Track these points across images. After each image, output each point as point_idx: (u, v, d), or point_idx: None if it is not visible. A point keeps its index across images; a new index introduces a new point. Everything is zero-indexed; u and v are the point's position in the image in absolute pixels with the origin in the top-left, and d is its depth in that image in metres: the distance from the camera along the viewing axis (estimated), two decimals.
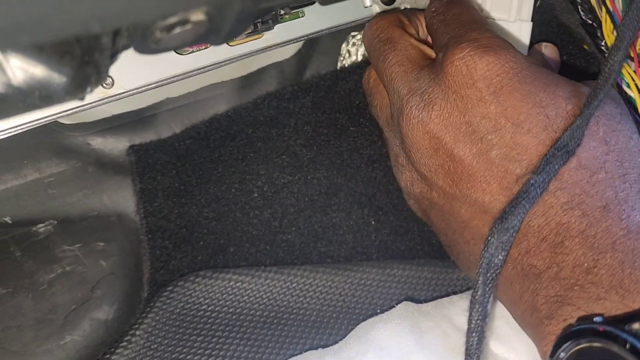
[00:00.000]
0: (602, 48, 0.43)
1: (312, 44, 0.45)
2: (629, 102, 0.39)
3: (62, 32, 0.16)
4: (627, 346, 0.22)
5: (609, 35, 0.39)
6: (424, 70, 0.32)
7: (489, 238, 0.25)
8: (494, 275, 0.25)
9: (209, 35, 0.21)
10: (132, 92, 0.32)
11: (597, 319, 0.25)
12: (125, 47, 0.20)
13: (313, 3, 0.34)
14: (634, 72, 0.39)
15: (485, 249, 0.25)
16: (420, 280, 0.40)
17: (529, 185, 0.25)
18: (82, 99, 0.21)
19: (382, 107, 0.37)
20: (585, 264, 0.26)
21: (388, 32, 0.35)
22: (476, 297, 0.25)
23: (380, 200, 0.43)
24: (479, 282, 0.25)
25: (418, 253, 0.43)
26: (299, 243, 0.41)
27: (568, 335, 0.25)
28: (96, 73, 0.20)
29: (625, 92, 0.40)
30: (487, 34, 0.31)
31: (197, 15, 0.18)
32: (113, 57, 0.20)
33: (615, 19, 0.40)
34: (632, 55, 0.39)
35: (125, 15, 0.15)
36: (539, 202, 0.27)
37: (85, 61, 0.19)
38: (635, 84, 0.39)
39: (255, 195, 0.42)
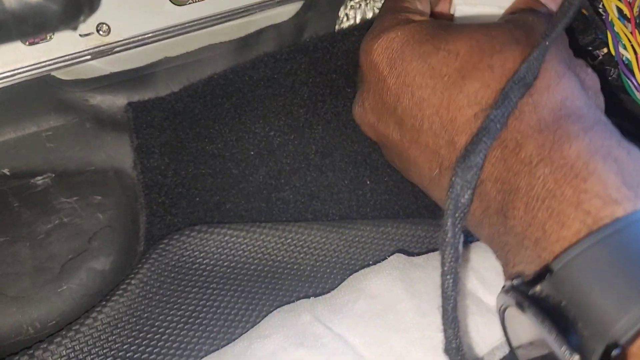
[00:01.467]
0: (600, 11, 0.43)
1: (310, 7, 0.45)
2: (625, 64, 0.40)
3: None
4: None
5: None
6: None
7: (453, 178, 0.25)
8: (461, 215, 0.25)
9: None
10: (128, 41, 0.32)
11: (515, 280, 0.24)
12: None
13: None
14: (631, 33, 0.39)
15: (451, 189, 0.25)
16: (414, 238, 0.41)
17: (489, 120, 0.25)
18: (75, 28, 0.22)
19: None
20: (502, 209, 0.26)
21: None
22: (446, 240, 0.24)
23: (376, 160, 0.43)
24: (448, 223, 0.25)
25: (412, 213, 0.43)
26: (294, 201, 0.42)
27: (500, 294, 0.25)
28: (89, 3, 0.20)
29: (622, 54, 0.40)
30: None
31: None
32: None
33: None
34: (628, 16, 0.39)
35: None
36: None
37: None
38: (632, 46, 0.39)
39: (252, 153, 0.42)
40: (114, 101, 0.42)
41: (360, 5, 0.46)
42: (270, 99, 0.43)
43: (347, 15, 0.46)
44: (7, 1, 0.20)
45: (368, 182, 0.43)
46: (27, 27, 0.21)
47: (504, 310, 0.25)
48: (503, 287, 0.25)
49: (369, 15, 0.46)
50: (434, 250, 0.40)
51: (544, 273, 0.23)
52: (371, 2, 0.46)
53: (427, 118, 0.29)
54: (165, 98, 0.42)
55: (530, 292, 0.23)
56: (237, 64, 0.43)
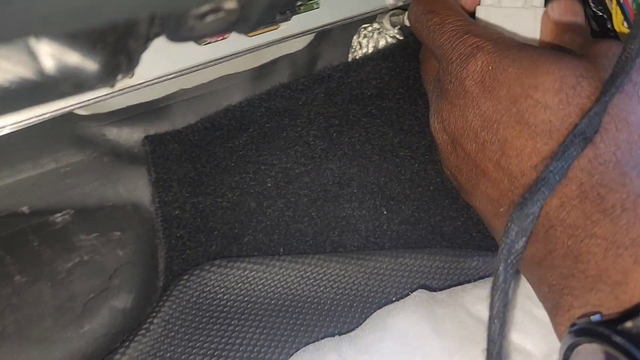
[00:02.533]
0: None
1: (323, 36, 0.45)
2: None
3: (102, 20, 0.16)
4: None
5: (619, 27, 0.39)
6: (434, 83, 0.35)
7: (509, 224, 0.25)
8: (514, 261, 0.25)
9: (238, 23, 0.21)
10: (152, 82, 0.32)
11: (594, 317, 0.25)
12: (158, 35, 0.20)
13: None
14: None
15: (506, 235, 0.25)
16: (433, 269, 0.41)
17: (548, 171, 0.26)
18: (112, 86, 0.22)
19: (429, 76, 0.39)
20: (572, 253, 0.27)
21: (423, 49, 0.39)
22: (497, 284, 0.25)
23: (392, 190, 0.43)
24: (500, 268, 0.25)
25: (430, 242, 0.43)
26: (312, 233, 0.42)
27: (571, 333, 0.25)
28: (128, 60, 0.20)
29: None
30: (466, 41, 0.32)
31: (230, 3, 0.19)
32: (145, 44, 0.20)
33: (626, 10, 0.40)
34: None
35: (164, 2, 0.15)
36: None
37: (117, 48, 0.19)
38: None
39: (269, 185, 0.42)
40: (131, 135, 0.42)
41: (373, 34, 0.46)
42: (286, 130, 0.43)
43: (360, 43, 0.47)
44: (45, 63, 0.20)
45: (385, 212, 0.43)
46: (66, 88, 0.21)
47: (572, 348, 0.25)
48: (572, 325, 0.26)
49: (382, 43, 0.46)
50: (453, 282, 0.40)
51: (635, 311, 0.24)
52: (384, 31, 0.46)
53: (507, 158, 0.30)
54: (181, 130, 0.42)
55: (618, 328, 0.24)
56: (253, 95, 0.43)
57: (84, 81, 0.21)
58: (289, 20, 0.34)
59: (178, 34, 0.19)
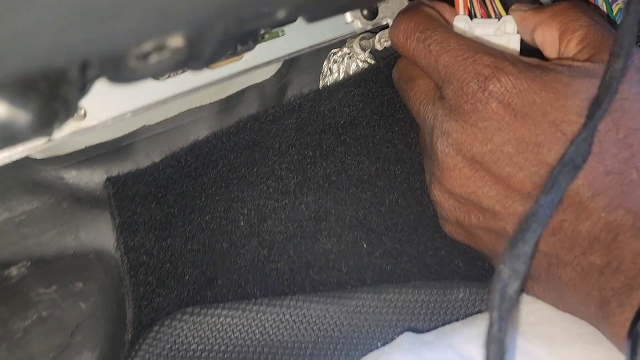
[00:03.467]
0: None
1: (291, 63, 0.44)
2: None
3: (22, 68, 0.14)
4: None
5: None
6: (437, 104, 0.33)
7: (500, 267, 0.23)
8: (509, 307, 0.23)
9: (189, 60, 0.19)
10: (106, 123, 0.30)
11: None
12: (97, 78, 0.18)
13: (294, 21, 0.32)
14: None
15: (497, 279, 0.23)
16: (418, 304, 0.39)
17: (538, 206, 0.24)
18: (49, 135, 0.19)
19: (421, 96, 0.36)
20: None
21: (404, 68, 0.37)
22: (491, 334, 0.23)
23: (372, 222, 0.41)
24: (494, 317, 0.23)
25: (414, 275, 0.41)
26: (289, 272, 0.40)
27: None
28: (65, 108, 0.18)
29: None
30: (481, 60, 0.31)
31: (176, 41, 0.17)
32: (83, 89, 0.18)
33: None
34: None
35: (92, 47, 0.13)
36: (581, 209, 0.28)
37: (52, 96, 0.17)
38: None
39: (242, 223, 0.40)
40: (92, 176, 0.39)
41: (343, 59, 0.44)
42: (257, 165, 0.41)
43: (330, 69, 0.45)
44: None
45: (365, 246, 0.41)
46: None
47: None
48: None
49: (353, 68, 0.44)
50: (439, 317, 0.38)
51: None
52: (354, 55, 0.44)
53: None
54: (146, 170, 0.40)
55: None
56: (220, 129, 0.41)
57: (16, 133, 0.18)
58: (252, 49, 0.32)
59: (120, 76, 0.17)
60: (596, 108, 0.26)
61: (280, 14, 0.18)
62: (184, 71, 0.32)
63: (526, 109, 0.30)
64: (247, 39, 0.30)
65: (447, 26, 0.35)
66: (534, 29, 0.34)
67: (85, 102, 0.29)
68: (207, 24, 0.16)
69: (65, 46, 0.13)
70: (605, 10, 0.39)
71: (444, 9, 0.37)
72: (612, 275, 0.28)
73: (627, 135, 0.29)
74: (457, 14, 0.36)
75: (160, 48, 0.17)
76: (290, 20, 0.31)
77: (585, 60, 0.31)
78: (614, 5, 0.39)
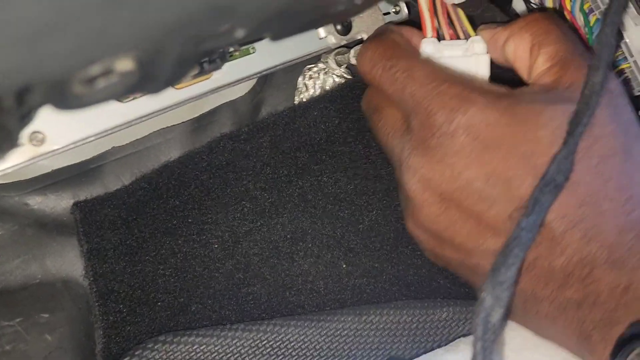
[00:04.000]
0: None
1: (266, 80, 0.43)
2: None
3: None
4: None
5: None
6: (404, 137, 0.32)
7: (483, 295, 0.22)
8: (492, 337, 0.22)
9: (144, 83, 0.18)
10: (67, 148, 0.28)
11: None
12: (41, 105, 0.17)
13: (262, 39, 0.31)
14: None
15: (480, 307, 0.22)
16: (400, 325, 0.38)
17: (519, 229, 0.23)
18: None
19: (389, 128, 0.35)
20: (621, 285, 0.27)
21: (371, 97, 0.36)
22: None
23: (350, 241, 0.40)
24: (477, 347, 0.22)
25: (394, 294, 0.40)
26: (266, 295, 0.38)
27: (622, 342, 0.25)
28: (7, 137, 0.16)
29: None
30: (448, 91, 0.30)
31: (124, 64, 0.15)
32: (26, 117, 0.17)
33: (579, 35, 0.39)
34: None
35: (24, 73, 0.12)
36: (555, 244, 0.27)
37: None
38: None
39: (216, 246, 0.38)
40: (58, 201, 0.38)
41: (319, 74, 0.43)
42: (231, 185, 0.39)
43: (305, 85, 0.44)
44: None
45: (344, 266, 0.40)
46: None
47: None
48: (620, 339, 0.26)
49: (329, 83, 0.43)
50: (421, 338, 0.37)
51: None
52: (330, 70, 0.43)
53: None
54: (115, 193, 0.38)
55: None
56: (193, 149, 0.40)
57: None
58: (221, 68, 0.31)
59: (65, 103, 0.16)
60: (576, 124, 0.25)
61: (240, 33, 0.17)
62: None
63: (495, 142, 0.28)
64: (215, 57, 0.29)
65: (415, 53, 0.33)
66: (505, 42, 0.33)
67: (44, 126, 0.27)
68: (157, 46, 0.15)
69: None
70: (582, 22, 0.38)
71: (412, 33, 0.36)
72: (590, 309, 0.27)
73: (599, 162, 0.28)
74: (424, 36, 0.36)
75: (107, 72, 0.15)
76: (254, 38, 0.30)
77: (554, 81, 0.30)
78: (591, 16, 0.39)
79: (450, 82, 0.30)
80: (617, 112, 0.29)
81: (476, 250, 0.31)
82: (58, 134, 0.28)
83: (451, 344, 0.35)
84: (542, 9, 0.41)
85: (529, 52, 0.32)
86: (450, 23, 0.36)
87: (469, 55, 0.34)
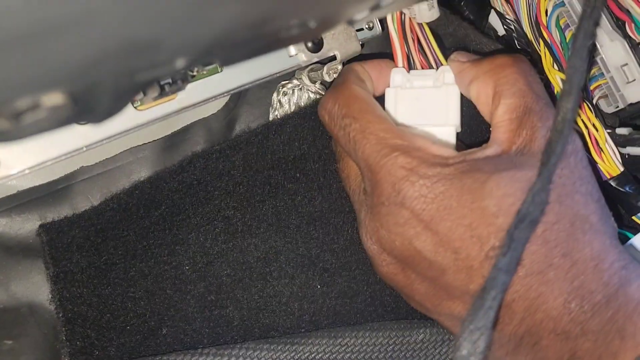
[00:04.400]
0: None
1: (240, 96, 0.42)
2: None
3: None
4: None
5: (550, 69, 0.37)
6: (362, 196, 0.33)
7: (460, 341, 0.22)
8: None
9: (81, 115, 0.17)
10: (23, 172, 0.27)
11: None
12: None
13: (210, 64, 0.30)
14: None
15: (457, 354, 0.21)
16: (376, 347, 0.37)
17: (496, 270, 0.22)
18: None
19: (351, 183, 0.35)
20: (566, 354, 0.26)
21: (336, 146, 0.36)
22: None
23: (325, 262, 0.39)
24: None
25: (370, 315, 0.39)
26: (238, 317, 0.37)
27: None
28: None
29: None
30: (397, 160, 0.29)
31: (53, 99, 0.15)
32: None
33: (555, 51, 0.38)
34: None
35: None
36: (504, 312, 0.27)
37: None
38: (581, 119, 0.37)
39: (187, 268, 0.38)
40: (24, 224, 0.37)
41: (293, 90, 0.43)
42: (202, 205, 0.38)
43: (280, 102, 0.43)
44: None
45: (319, 287, 0.39)
46: None
47: None
48: None
49: (304, 99, 0.43)
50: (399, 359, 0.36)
51: None
52: (304, 87, 0.42)
53: (476, 285, 0.28)
54: (84, 214, 0.37)
55: None
56: (164, 168, 0.39)
57: None
58: (184, 89, 0.30)
59: None
60: (550, 153, 0.24)
61: (179, 64, 0.16)
62: None
63: (442, 213, 0.28)
64: (177, 78, 0.28)
65: (372, 108, 0.32)
66: (470, 83, 0.32)
67: None
68: (83, 81, 0.14)
69: None
70: (558, 38, 0.38)
71: (380, 66, 0.35)
72: None
73: (545, 230, 0.27)
74: (396, 65, 0.35)
75: (34, 107, 0.15)
76: (202, 65, 0.29)
77: (508, 140, 0.29)
78: (567, 31, 0.38)
79: (401, 151, 0.30)
80: (564, 174, 0.28)
81: (433, 311, 0.31)
82: (13, 158, 0.27)
83: None
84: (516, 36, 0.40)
85: (491, 99, 0.31)
86: (421, 49, 0.35)
87: (439, 86, 0.33)
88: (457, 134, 0.34)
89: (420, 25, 0.35)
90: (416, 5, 0.33)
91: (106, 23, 0.11)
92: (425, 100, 0.33)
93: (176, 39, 0.13)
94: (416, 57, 0.35)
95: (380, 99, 0.35)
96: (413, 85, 0.34)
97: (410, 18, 0.35)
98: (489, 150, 0.30)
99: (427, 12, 0.33)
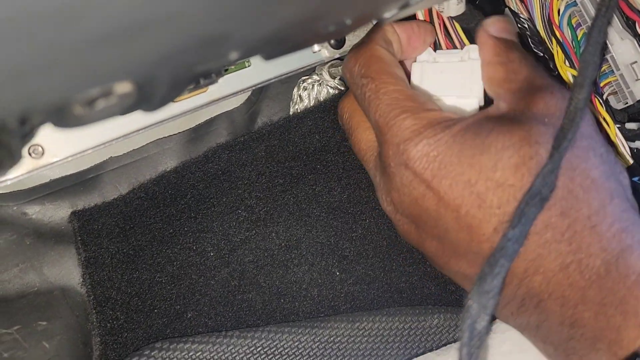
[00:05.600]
0: None
1: (261, 91, 0.43)
2: None
3: None
4: None
5: (561, 66, 0.38)
6: (375, 162, 0.34)
7: (469, 303, 0.23)
8: (478, 344, 0.23)
9: (140, 103, 0.18)
10: (65, 160, 0.29)
11: None
12: (42, 124, 0.17)
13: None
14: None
15: (466, 315, 0.23)
16: (392, 331, 0.38)
17: (506, 240, 0.24)
18: None
19: (365, 153, 0.36)
20: (567, 320, 0.27)
21: (348, 113, 0.36)
22: None
23: (344, 250, 0.40)
24: (463, 353, 0.22)
25: (387, 301, 0.41)
26: (260, 302, 0.39)
27: None
28: (9, 155, 0.17)
29: None
30: (404, 123, 0.30)
31: (123, 87, 0.16)
32: (28, 136, 0.17)
33: (567, 49, 0.40)
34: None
35: (25, 101, 0.12)
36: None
37: None
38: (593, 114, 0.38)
39: (211, 254, 0.39)
40: (56, 211, 0.38)
41: (313, 86, 0.44)
42: (226, 194, 0.40)
43: (300, 96, 0.45)
44: None
45: (337, 273, 0.40)
46: None
47: None
48: None
49: (323, 95, 0.44)
50: (413, 345, 0.37)
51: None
52: (324, 82, 0.44)
53: (477, 244, 0.29)
54: (113, 203, 0.39)
55: None
56: (189, 159, 0.41)
57: None
58: (216, 82, 0.32)
59: (65, 123, 0.17)
60: (562, 139, 0.25)
61: (233, 56, 0.18)
62: None
63: (442, 173, 0.29)
64: (211, 72, 0.29)
65: (391, 68, 0.33)
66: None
67: (43, 140, 0.28)
68: (153, 73, 0.15)
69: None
70: (570, 36, 0.39)
71: (413, 28, 0.36)
72: (548, 332, 0.28)
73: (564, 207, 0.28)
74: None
75: (106, 94, 0.16)
76: (247, 57, 0.31)
77: (510, 105, 0.30)
78: (579, 30, 0.40)
79: (410, 112, 0.30)
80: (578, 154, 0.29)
81: (445, 267, 0.32)
82: (57, 147, 0.28)
83: (442, 348, 0.36)
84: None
85: (495, 66, 0.33)
86: (447, 34, 0.36)
87: (465, 60, 0.35)
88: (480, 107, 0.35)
89: (446, 17, 0.36)
90: (446, 1, 0.34)
91: (191, 20, 0.12)
92: (450, 73, 0.34)
93: (242, 33, 0.14)
94: (442, 40, 0.36)
95: (408, 66, 0.36)
96: (438, 59, 0.35)
97: (436, 10, 0.36)
98: (491, 110, 0.31)
99: (455, 7, 0.35)
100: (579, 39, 0.39)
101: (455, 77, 0.34)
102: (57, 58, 0.12)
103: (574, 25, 0.40)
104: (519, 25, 0.42)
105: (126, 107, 0.18)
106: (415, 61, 0.36)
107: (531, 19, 0.41)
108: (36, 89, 0.12)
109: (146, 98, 0.18)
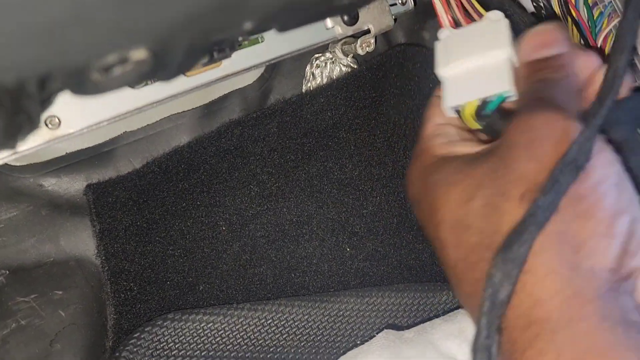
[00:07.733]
0: None
1: (274, 68, 0.44)
2: None
3: None
4: None
5: None
6: None
7: (492, 270, 0.22)
8: (499, 313, 0.22)
9: (156, 71, 0.19)
10: (81, 131, 0.29)
11: None
12: (60, 90, 0.18)
13: (267, 30, 0.32)
14: None
15: (488, 283, 0.22)
16: (401, 307, 0.39)
17: (536, 207, 0.22)
18: (13, 147, 0.19)
19: None
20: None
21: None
22: (479, 342, 0.21)
23: (354, 226, 0.41)
24: (482, 323, 0.22)
25: (397, 278, 0.41)
26: (271, 276, 0.40)
27: None
28: (28, 121, 0.18)
29: None
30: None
31: (139, 54, 0.17)
32: (46, 102, 0.18)
33: (582, 28, 0.39)
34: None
35: (45, 62, 0.13)
36: None
37: (15, 110, 0.17)
38: None
39: (223, 228, 0.40)
40: (72, 183, 0.39)
41: (326, 63, 0.44)
42: (239, 169, 0.40)
43: (313, 74, 0.45)
44: None
45: (348, 249, 0.41)
46: None
47: None
48: None
49: (336, 72, 0.44)
50: (422, 320, 0.38)
51: None
52: (337, 60, 0.44)
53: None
54: (127, 176, 0.40)
55: None
56: (202, 134, 0.41)
57: None
58: (230, 57, 0.32)
59: (83, 89, 0.17)
60: (599, 106, 0.24)
61: (248, 26, 0.18)
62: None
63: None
64: (224, 46, 0.29)
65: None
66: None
67: (60, 111, 0.28)
68: (169, 38, 0.16)
69: (17, 62, 0.13)
70: (586, 15, 0.39)
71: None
72: None
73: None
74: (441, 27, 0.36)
75: (123, 61, 0.16)
76: (261, 30, 0.31)
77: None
78: (595, 9, 0.39)
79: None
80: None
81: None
82: (73, 118, 0.29)
83: (449, 314, 0.36)
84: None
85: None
86: (466, 13, 0.36)
87: (487, 24, 0.34)
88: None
89: None
90: None
91: None
92: (474, 34, 0.33)
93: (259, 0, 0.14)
94: (462, 18, 0.35)
95: None
96: (459, 32, 0.34)
97: None
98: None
99: None
100: (594, 18, 0.39)
101: (478, 37, 0.34)
102: (82, 15, 0.12)
103: (590, 5, 0.40)
104: (534, 4, 0.42)
105: (142, 75, 0.18)
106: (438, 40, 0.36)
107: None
108: (59, 48, 0.13)
109: (162, 66, 0.18)
